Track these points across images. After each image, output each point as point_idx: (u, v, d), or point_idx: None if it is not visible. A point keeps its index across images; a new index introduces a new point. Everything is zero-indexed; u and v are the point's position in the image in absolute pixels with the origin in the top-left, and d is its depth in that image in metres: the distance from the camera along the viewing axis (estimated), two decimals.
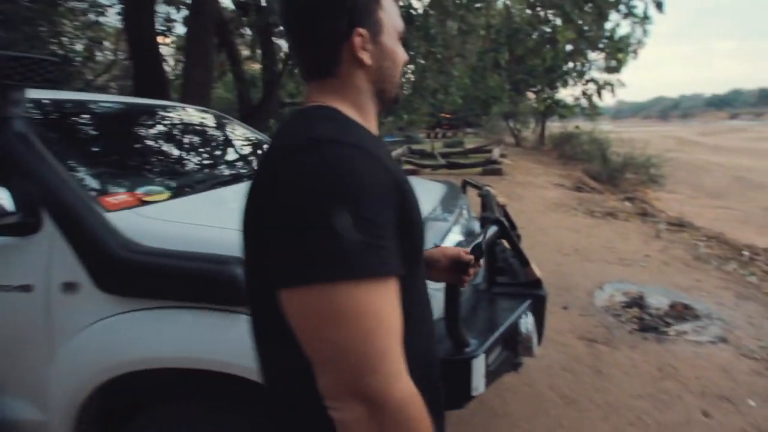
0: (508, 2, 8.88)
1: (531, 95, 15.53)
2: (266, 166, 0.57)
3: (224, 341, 1.02)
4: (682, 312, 2.98)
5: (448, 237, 1.42)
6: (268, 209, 0.51)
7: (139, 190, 1.32)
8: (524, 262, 1.55)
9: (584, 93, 14.56)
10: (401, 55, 0.68)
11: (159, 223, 1.17)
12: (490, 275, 1.58)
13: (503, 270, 1.68)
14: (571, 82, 13.85)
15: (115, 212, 1.16)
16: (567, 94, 15.23)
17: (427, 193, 1.82)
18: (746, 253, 4.69)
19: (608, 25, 11.58)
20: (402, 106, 6.93)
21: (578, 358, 2.45)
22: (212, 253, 1.04)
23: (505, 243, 1.69)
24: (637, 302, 3.05)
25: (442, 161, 10.39)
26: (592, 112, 14.68)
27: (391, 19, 0.66)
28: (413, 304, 0.60)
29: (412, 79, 6.57)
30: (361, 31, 0.61)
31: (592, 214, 5.92)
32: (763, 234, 7.33)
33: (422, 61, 6.03)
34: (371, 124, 0.66)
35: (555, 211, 6.05)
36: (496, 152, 10.75)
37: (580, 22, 5.75)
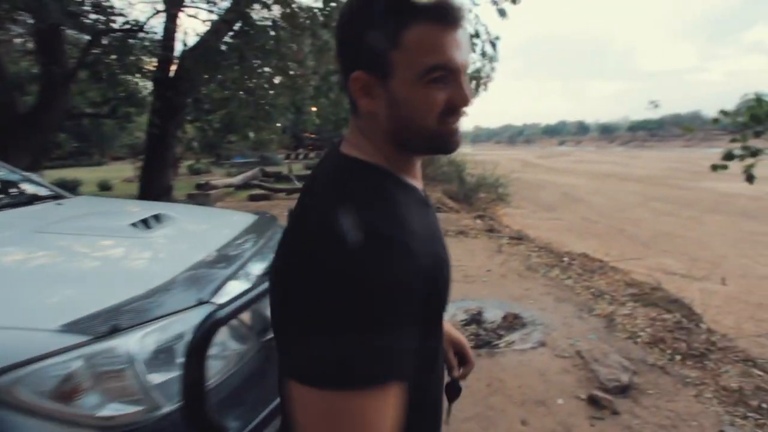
0: None
1: None
2: (301, 234, 0.53)
3: None
4: (512, 322, 3.27)
5: (234, 281, 1.22)
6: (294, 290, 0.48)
7: None
8: None
9: None
10: (430, 102, 0.54)
11: None
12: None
13: None
14: None
15: None
16: None
17: (223, 227, 1.60)
18: (566, 259, 5.52)
19: None
20: (247, 124, 6.56)
21: None
22: None
23: None
24: (476, 318, 3.26)
25: (298, 184, 10.28)
26: None
27: (414, 60, 0.52)
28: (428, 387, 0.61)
29: (257, 96, 6.27)
30: (357, 75, 0.55)
31: (446, 234, 6.38)
32: (582, 239, 8.89)
33: (270, 75, 5.77)
34: (399, 169, 0.59)
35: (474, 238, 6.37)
36: None
37: None
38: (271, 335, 1.22)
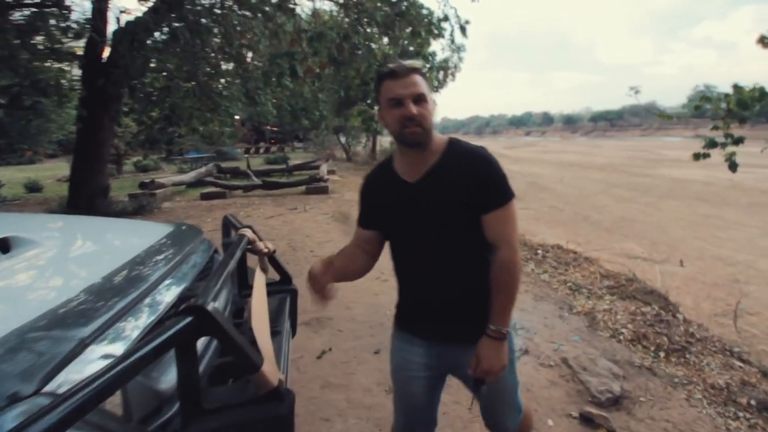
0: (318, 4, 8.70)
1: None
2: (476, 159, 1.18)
3: None
4: None
5: (101, 343, 0.82)
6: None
7: None
8: (250, 366, 0.88)
9: None
10: (390, 118, 1.14)
11: None
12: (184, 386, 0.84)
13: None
14: None
15: None
16: None
17: (116, 248, 1.20)
18: (540, 251, 5.36)
19: (430, 49, 13.60)
20: (192, 115, 5.91)
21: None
22: None
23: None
24: None
25: (256, 180, 9.64)
26: None
27: (383, 97, 1.14)
28: None
29: (202, 84, 5.61)
30: (376, 109, 1.58)
31: None
32: (550, 227, 8.88)
33: (215, 61, 5.15)
34: (398, 155, 1.23)
35: None
36: (324, 169, 10.57)
37: (392, 36, 5.91)
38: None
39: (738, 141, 2.79)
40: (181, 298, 1.07)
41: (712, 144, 2.80)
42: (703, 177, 17.31)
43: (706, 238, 9.31)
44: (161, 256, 1.19)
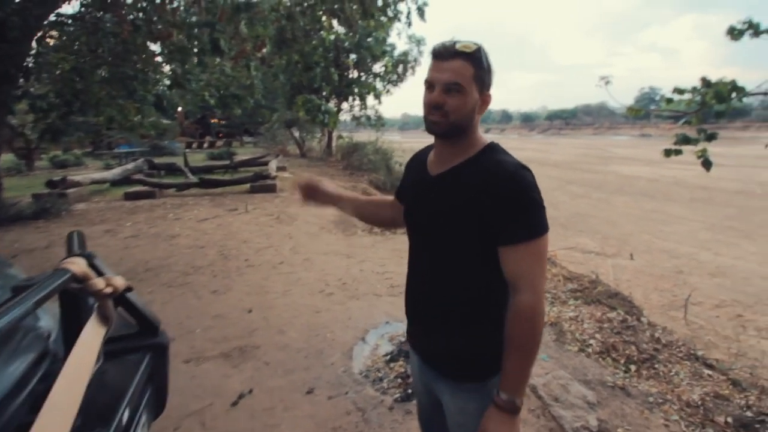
0: None
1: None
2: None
3: None
4: None
5: None
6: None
7: None
8: None
9: (358, 104, 15.93)
10: (424, 98, 1.02)
11: None
12: None
13: None
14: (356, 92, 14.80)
15: None
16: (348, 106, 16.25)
17: None
18: None
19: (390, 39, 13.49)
20: (102, 101, 5.08)
21: None
22: None
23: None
24: (403, 350, 2.55)
25: (193, 178, 8.76)
26: (378, 123, 16.08)
27: (426, 76, 1.02)
28: None
29: (109, 63, 4.80)
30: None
31: (371, 231, 5.63)
32: None
33: (121, 35, 4.35)
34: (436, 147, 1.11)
35: (331, 232, 5.51)
36: (273, 165, 9.87)
37: (340, 18, 5.42)
38: None
39: (711, 137, 2.59)
40: None
41: (684, 140, 2.59)
42: (649, 174, 18.34)
43: (653, 232, 9.71)
44: None
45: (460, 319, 1.03)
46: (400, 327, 2.84)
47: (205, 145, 23.28)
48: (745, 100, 2.65)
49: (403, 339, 2.67)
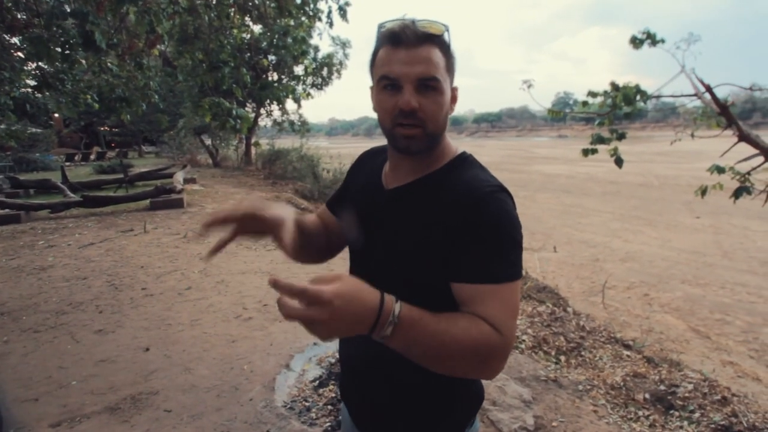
0: None
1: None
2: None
3: None
4: None
5: None
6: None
7: None
8: None
9: (277, 109, 15.53)
10: (380, 106, 0.78)
11: None
12: None
13: None
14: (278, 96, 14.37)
15: None
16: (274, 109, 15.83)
17: None
18: None
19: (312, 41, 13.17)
20: None
21: None
22: None
23: None
24: (333, 373, 2.41)
25: (73, 197, 7.80)
26: (302, 128, 15.74)
27: (376, 73, 0.78)
28: None
29: None
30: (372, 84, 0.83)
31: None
32: None
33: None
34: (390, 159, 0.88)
35: (251, 248, 5.18)
36: (180, 176, 9.15)
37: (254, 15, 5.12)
38: None
39: (621, 136, 2.86)
40: None
41: (599, 140, 2.82)
42: (567, 171, 20.33)
43: (572, 225, 10.67)
44: None
45: (408, 374, 0.78)
46: (329, 347, 2.69)
47: (92, 156, 21.13)
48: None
49: (333, 360, 2.53)
